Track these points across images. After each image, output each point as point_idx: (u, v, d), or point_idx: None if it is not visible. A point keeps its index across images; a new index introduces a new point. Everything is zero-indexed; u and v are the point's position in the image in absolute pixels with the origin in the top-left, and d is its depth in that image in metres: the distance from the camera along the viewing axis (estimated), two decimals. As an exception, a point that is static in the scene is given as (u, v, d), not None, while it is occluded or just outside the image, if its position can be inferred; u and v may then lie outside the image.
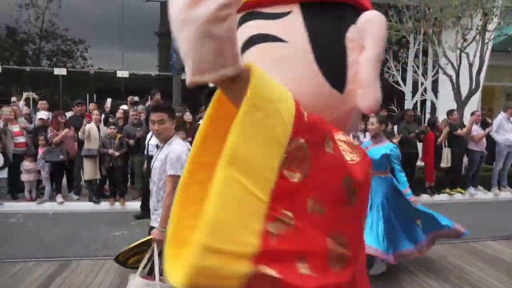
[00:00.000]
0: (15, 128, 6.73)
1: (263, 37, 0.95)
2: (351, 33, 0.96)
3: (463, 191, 7.89)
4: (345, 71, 0.96)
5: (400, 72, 11.99)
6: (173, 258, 0.84)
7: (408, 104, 11.65)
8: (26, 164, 6.37)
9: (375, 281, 3.70)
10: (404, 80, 12.00)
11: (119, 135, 6.68)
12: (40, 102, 7.64)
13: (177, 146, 2.70)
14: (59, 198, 6.58)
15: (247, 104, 0.75)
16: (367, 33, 0.94)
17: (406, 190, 4.02)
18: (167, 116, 2.72)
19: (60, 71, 11.56)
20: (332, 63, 0.96)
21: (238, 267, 0.74)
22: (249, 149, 0.75)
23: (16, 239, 4.58)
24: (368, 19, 0.95)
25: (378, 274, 3.87)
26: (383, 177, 3.97)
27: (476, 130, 7.80)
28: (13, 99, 8.15)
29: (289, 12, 0.94)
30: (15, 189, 6.67)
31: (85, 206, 6.66)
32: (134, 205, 6.43)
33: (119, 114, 7.41)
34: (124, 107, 7.94)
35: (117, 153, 6.50)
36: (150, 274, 2.60)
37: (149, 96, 7.89)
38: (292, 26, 0.94)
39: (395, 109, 11.48)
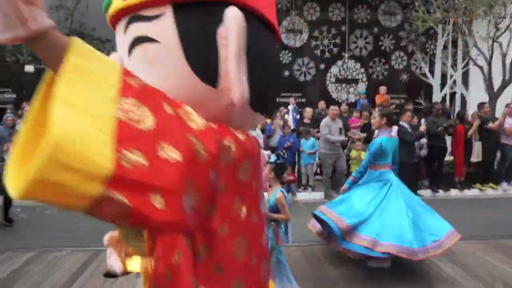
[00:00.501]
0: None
1: (141, 39, 0.99)
2: (222, 29, 0.98)
3: (495, 186, 7.61)
4: (217, 67, 0.98)
5: (428, 64, 11.66)
6: (16, 168, 0.76)
7: (437, 97, 11.32)
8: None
9: (400, 279, 3.64)
10: (432, 72, 11.66)
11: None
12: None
13: None
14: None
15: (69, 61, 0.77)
16: (228, 29, 0.96)
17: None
18: None
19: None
20: (203, 59, 0.98)
21: (88, 187, 0.72)
22: (80, 95, 0.75)
23: (51, 229, 4.78)
24: (228, 15, 0.97)
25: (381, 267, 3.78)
26: (387, 170, 3.96)
27: (509, 123, 7.49)
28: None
29: (162, 14, 0.97)
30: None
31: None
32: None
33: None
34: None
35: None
36: None
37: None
38: (164, 27, 0.97)
39: (422, 102, 11.18)
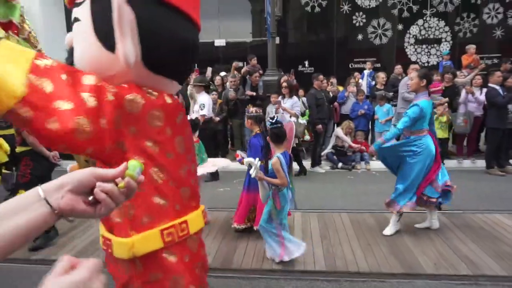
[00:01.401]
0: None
1: (75, 19, 1.36)
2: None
3: None
4: (113, 35, 1.25)
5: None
6: None
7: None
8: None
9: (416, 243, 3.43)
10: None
11: (219, 101, 7.13)
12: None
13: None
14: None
15: None
16: (113, 7, 1.24)
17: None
18: None
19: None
20: (105, 31, 1.27)
21: (5, 99, 1.08)
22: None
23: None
24: None
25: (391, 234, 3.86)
26: (425, 135, 3.81)
27: None
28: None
29: (85, 0, 1.33)
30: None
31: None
32: (234, 165, 6.88)
33: (217, 81, 7.87)
34: (222, 73, 8.39)
35: (217, 118, 6.98)
36: None
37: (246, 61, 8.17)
38: (84, 9, 1.31)
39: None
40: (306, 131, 7.89)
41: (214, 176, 6.41)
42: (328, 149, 7.47)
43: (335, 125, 8.17)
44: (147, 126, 1.31)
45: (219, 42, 12.16)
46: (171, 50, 1.39)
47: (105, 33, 1.27)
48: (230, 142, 8.06)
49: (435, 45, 11.29)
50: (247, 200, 3.97)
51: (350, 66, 11.32)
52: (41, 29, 8.84)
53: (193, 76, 7.22)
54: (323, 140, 7.33)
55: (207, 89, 6.76)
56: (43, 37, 7.65)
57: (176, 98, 1.48)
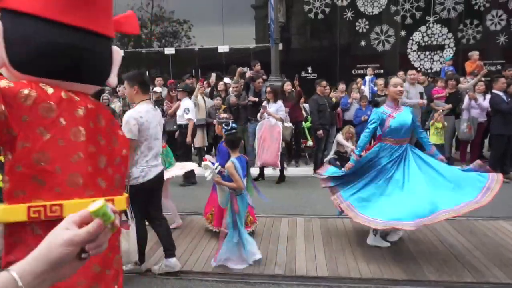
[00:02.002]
0: (137, 102, 7.73)
1: None
2: None
3: None
4: None
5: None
6: None
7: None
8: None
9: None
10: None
11: (223, 106, 7.16)
12: (157, 78, 8.60)
13: (128, 112, 3.14)
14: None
15: None
16: None
17: (432, 150, 3.75)
18: (126, 83, 3.26)
19: (169, 51, 12.78)
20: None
21: None
22: None
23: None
24: None
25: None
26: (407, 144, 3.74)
27: None
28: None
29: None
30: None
31: (196, 171, 7.38)
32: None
33: (220, 86, 7.90)
34: (227, 80, 8.43)
35: (221, 123, 7.00)
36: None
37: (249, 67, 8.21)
38: None
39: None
40: (308, 136, 7.90)
41: (190, 180, 6.68)
42: (331, 155, 7.46)
43: (338, 131, 8.17)
44: (39, 115, 1.54)
45: (223, 48, 12.24)
46: (30, 52, 1.60)
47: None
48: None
49: (438, 51, 11.32)
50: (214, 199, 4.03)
51: (353, 72, 11.34)
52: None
53: (199, 86, 7.30)
54: (325, 145, 7.32)
55: (190, 95, 7.06)
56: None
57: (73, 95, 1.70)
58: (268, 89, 6.61)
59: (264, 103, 6.55)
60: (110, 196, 1.73)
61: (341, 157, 7.28)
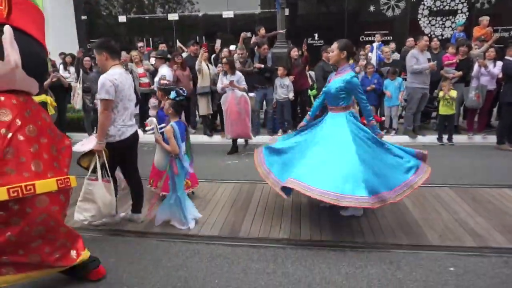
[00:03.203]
0: (140, 70, 7.64)
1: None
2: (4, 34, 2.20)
3: None
4: (3, 50, 2.15)
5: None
6: None
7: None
8: (152, 101, 7.26)
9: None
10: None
11: (227, 73, 7.04)
12: (160, 45, 8.44)
13: (102, 75, 3.25)
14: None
15: None
16: (5, 33, 2.19)
17: (371, 122, 3.58)
18: (95, 52, 3.41)
19: (173, 17, 12.48)
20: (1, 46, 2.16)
21: None
22: None
23: (146, 163, 5.39)
24: (5, 27, 2.19)
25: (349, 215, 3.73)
26: (342, 113, 3.53)
27: None
28: (140, 44, 9.09)
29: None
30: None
31: (201, 138, 7.44)
32: (241, 140, 6.89)
33: (224, 53, 7.75)
34: (232, 47, 8.26)
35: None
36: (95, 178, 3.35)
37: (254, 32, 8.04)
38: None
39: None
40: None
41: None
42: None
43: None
44: (1, 120, 2.15)
45: (227, 14, 11.91)
46: (37, 64, 2.37)
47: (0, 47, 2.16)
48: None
49: (450, 17, 10.92)
50: None
51: (361, 39, 11.04)
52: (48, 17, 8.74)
53: (202, 52, 7.12)
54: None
55: (167, 61, 7.11)
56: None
57: (22, 100, 2.29)
58: (224, 60, 6.52)
59: (221, 74, 6.43)
60: (65, 176, 2.37)
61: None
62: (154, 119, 3.64)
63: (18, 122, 2.17)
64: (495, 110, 7.62)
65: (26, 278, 2.39)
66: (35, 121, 2.29)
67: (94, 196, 3.30)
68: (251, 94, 6.70)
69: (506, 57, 6.32)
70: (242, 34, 7.90)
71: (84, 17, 13.18)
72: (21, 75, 2.21)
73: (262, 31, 7.98)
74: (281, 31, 8.47)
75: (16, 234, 2.20)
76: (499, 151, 6.34)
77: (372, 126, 3.60)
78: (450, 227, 3.46)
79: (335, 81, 3.54)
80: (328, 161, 3.22)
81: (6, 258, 2.26)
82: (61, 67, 8.83)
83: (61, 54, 9.68)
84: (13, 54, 2.14)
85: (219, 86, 6.35)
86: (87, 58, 7.55)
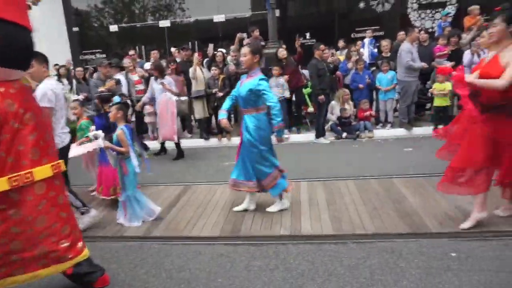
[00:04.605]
0: (135, 77, 7.63)
1: None
2: None
3: None
4: None
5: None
6: None
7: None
8: (147, 108, 7.24)
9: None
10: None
11: (221, 76, 7.08)
12: (152, 52, 8.46)
13: (41, 85, 3.37)
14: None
15: None
16: None
17: (277, 126, 3.60)
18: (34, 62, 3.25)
19: (164, 23, 12.53)
20: None
21: None
22: None
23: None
24: None
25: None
26: (254, 114, 3.63)
27: None
28: (131, 52, 9.10)
29: None
30: (140, 130, 7.72)
31: (198, 142, 7.45)
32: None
33: (218, 57, 7.77)
34: (223, 50, 8.29)
35: (221, 94, 6.95)
36: None
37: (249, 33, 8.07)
38: None
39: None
40: (309, 102, 7.85)
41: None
42: (332, 121, 7.43)
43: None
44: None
45: (218, 18, 11.96)
46: (16, 52, 2.16)
47: None
48: (233, 117, 8.05)
49: (440, 9, 10.99)
50: (107, 173, 4.21)
51: (352, 36, 11.10)
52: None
53: (196, 60, 7.11)
54: (327, 110, 7.29)
55: (122, 69, 7.28)
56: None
57: (17, 87, 2.26)
58: (152, 66, 6.58)
59: (152, 79, 6.44)
60: (57, 160, 2.40)
61: (343, 123, 7.26)
62: (99, 132, 3.93)
63: (21, 111, 2.20)
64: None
65: (34, 277, 2.36)
66: (31, 107, 2.32)
67: None
68: (183, 98, 6.66)
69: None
70: (238, 35, 7.93)
71: (75, 29, 13.22)
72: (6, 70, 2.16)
73: (256, 32, 8.00)
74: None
75: (18, 225, 2.21)
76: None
77: (277, 131, 3.66)
78: (450, 214, 3.47)
79: (245, 85, 3.61)
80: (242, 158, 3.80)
81: (15, 256, 2.24)
82: (55, 79, 8.83)
83: (55, 65, 9.68)
84: None
85: (147, 94, 6.47)
86: (79, 69, 7.56)
